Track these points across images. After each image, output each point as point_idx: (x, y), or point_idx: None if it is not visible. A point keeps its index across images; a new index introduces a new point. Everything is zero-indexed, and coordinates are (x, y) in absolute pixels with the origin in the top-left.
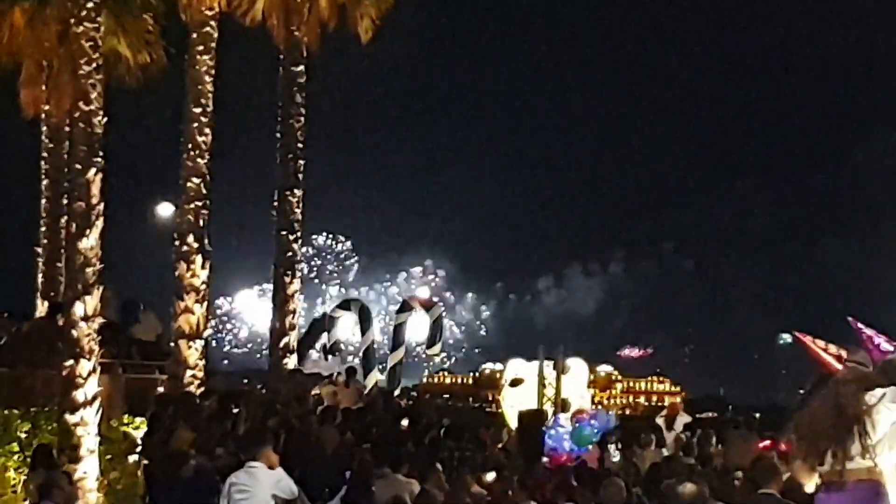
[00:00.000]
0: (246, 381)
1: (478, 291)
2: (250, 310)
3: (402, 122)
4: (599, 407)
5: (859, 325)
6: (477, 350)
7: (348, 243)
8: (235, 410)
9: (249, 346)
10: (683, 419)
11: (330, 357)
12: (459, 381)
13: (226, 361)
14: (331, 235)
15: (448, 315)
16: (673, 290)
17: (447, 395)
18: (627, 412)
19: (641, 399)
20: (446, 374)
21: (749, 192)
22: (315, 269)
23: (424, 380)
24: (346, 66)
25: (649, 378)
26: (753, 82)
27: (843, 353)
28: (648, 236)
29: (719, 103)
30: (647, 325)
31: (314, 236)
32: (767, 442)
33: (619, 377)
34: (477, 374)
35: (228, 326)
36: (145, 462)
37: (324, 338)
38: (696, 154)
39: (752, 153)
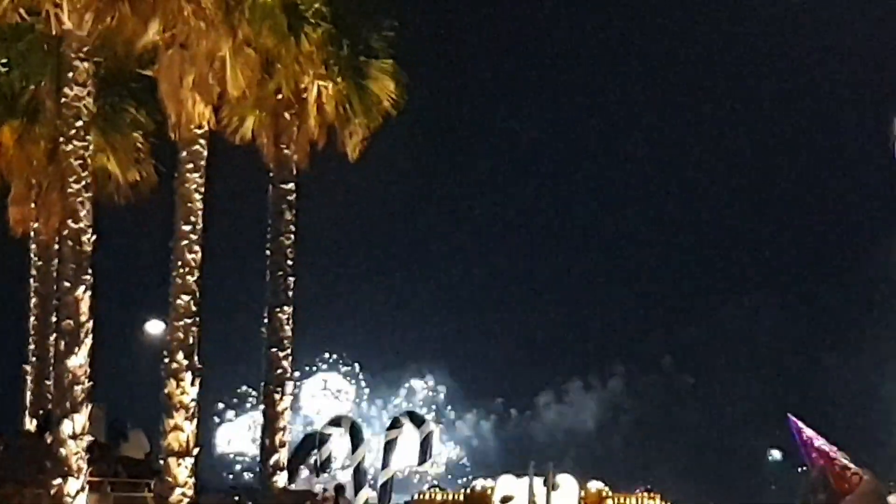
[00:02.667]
0: (237, 497)
1: (478, 407)
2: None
3: (395, 238)
4: None
5: (800, 424)
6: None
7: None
8: None
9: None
10: None
11: (320, 474)
12: (451, 497)
13: (231, 476)
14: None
15: (448, 431)
16: (672, 405)
17: None
18: None
19: None
20: (437, 489)
21: (754, 307)
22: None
23: (415, 496)
24: (336, 182)
25: (640, 494)
26: (758, 195)
27: (836, 457)
28: (649, 351)
29: (725, 217)
30: (644, 441)
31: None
32: None
33: (610, 493)
34: (468, 491)
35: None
36: None
37: (314, 455)
38: (701, 269)
39: (758, 268)
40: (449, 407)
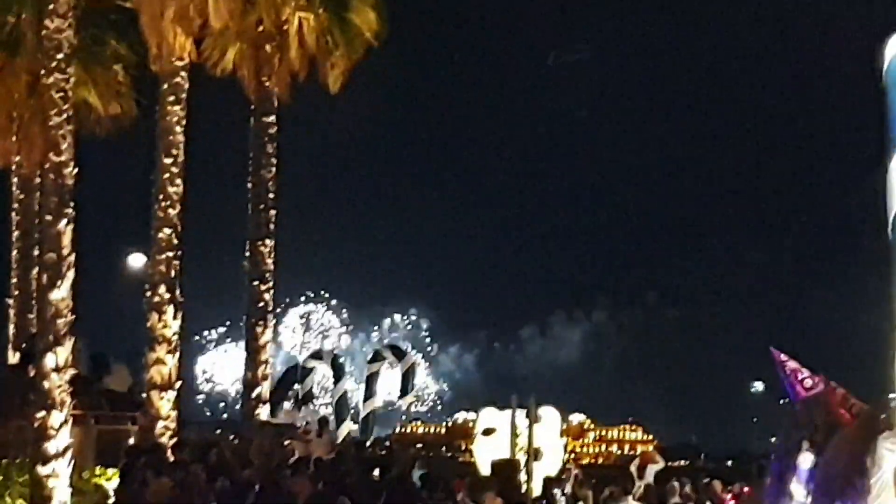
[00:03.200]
0: (219, 430)
1: (462, 341)
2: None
3: (378, 171)
4: (572, 456)
5: (782, 356)
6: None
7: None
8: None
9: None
10: (655, 467)
11: (302, 407)
12: (432, 430)
13: (209, 412)
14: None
15: (432, 365)
16: (656, 339)
17: (420, 445)
18: (600, 461)
19: (614, 448)
20: (419, 423)
21: (739, 241)
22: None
23: (397, 429)
24: (317, 116)
25: (622, 426)
26: (744, 132)
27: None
28: (634, 285)
29: (709, 152)
30: (629, 373)
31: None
32: (731, 495)
33: (592, 426)
34: (450, 424)
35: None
36: None
37: (296, 388)
38: (686, 203)
39: (744, 201)
40: (430, 340)
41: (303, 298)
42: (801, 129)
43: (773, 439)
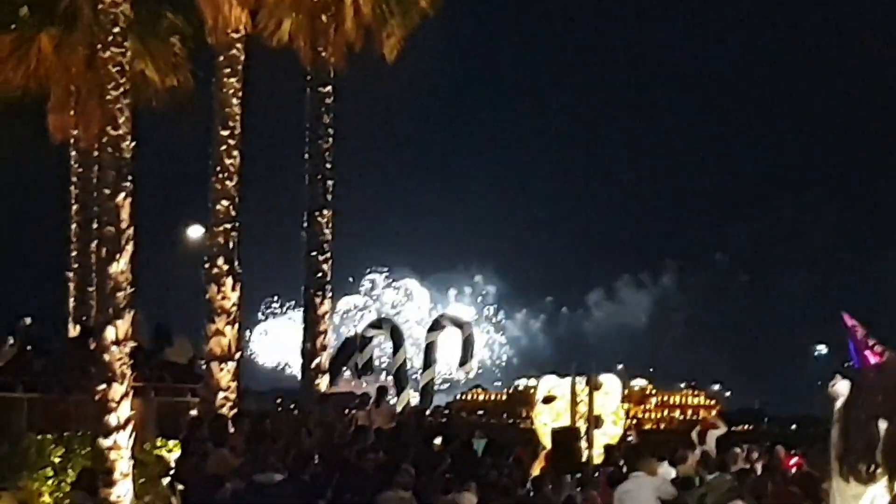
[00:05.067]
0: (279, 401)
1: (528, 307)
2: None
3: (437, 139)
4: (634, 422)
5: (854, 322)
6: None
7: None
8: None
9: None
10: (717, 433)
11: (362, 377)
12: (493, 397)
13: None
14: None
15: (500, 332)
16: (725, 303)
17: (481, 412)
18: (662, 426)
19: (676, 413)
20: (480, 391)
21: (812, 203)
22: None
23: (458, 396)
24: (373, 85)
25: (683, 392)
26: (818, 91)
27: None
28: (703, 248)
29: (781, 110)
30: (696, 338)
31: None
32: (796, 459)
33: (654, 391)
34: (511, 391)
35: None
36: (181, 487)
37: (356, 357)
38: (757, 163)
39: (817, 163)
40: (497, 307)
41: (367, 270)
42: (880, 83)
43: (837, 404)
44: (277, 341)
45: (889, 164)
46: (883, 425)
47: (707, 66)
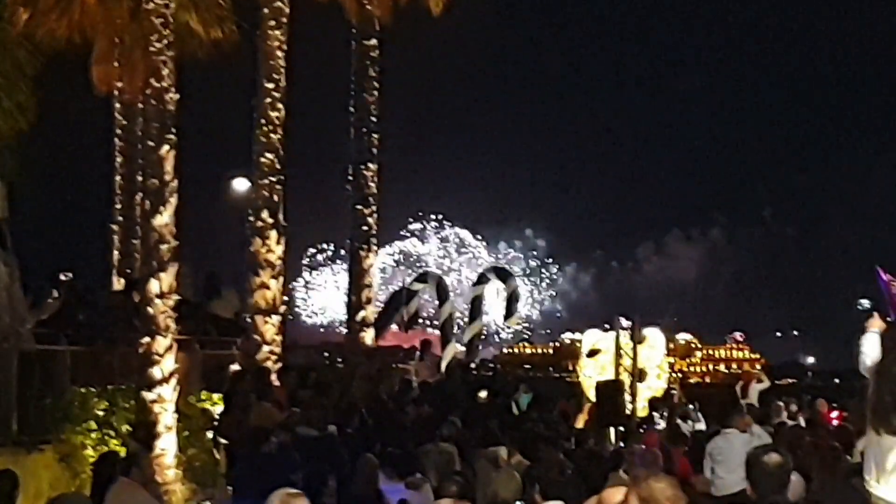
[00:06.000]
0: (326, 354)
1: (578, 260)
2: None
3: (485, 94)
4: (679, 376)
5: (887, 275)
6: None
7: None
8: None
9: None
10: (760, 387)
11: (409, 330)
12: (539, 351)
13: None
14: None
15: (549, 286)
16: (773, 257)
17: (527, 366)
18: (707, 380)
19: (721, 367)
20: (526, 344)
21: (861, 156)
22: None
23: (504, 350)
24: (420, 39)
25: (729, 345)
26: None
27: None
28: (752, 201)
29: (830, 61)
30: (744, 294)
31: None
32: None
33: (699, 345)
34: (557, 344)
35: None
36: (224, 441)
37: (402, 311)
38: (805, 117)
39: (871, 117)
40: (546, 260)
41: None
42: None
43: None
44: (325, 295)
45: None
46: None
47: (752, 18)
